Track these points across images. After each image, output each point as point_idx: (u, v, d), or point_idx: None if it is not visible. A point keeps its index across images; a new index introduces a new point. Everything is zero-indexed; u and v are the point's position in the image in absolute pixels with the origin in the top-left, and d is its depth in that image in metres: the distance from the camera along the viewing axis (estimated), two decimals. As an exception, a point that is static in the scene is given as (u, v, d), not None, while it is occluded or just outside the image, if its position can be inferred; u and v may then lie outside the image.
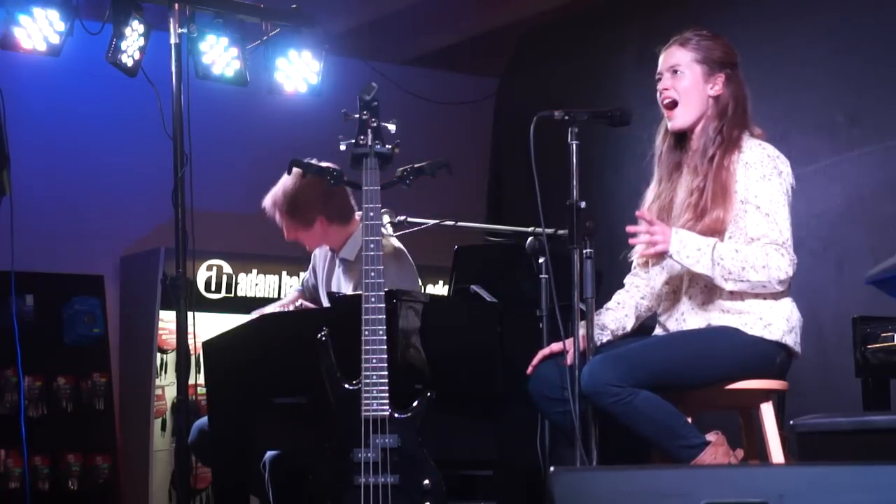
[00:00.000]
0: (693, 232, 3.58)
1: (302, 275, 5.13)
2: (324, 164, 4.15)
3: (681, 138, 3.77)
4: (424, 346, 4.03)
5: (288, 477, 4.29)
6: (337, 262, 4.76)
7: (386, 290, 3.72)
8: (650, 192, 3.81)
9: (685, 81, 3.70)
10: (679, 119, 3.72)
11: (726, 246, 3.54)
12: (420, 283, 4.92)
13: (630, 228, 3.60)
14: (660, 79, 3.76)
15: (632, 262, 3.86)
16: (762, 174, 3.60)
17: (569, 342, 3.56)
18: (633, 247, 3.77)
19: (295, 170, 4.12)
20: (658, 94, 3.75)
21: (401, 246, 4.70)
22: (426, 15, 7.13)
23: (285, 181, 4.73)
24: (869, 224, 5.63)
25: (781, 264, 3.53)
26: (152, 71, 4.91)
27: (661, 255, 3.64)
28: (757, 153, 3.64)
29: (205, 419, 4.71)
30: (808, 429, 3.73)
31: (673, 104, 3.72)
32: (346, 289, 4.63)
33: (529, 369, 3.66)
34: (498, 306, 4.30)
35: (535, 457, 3.84)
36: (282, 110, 6.31)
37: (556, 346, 3.66)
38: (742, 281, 3.53)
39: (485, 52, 7.66)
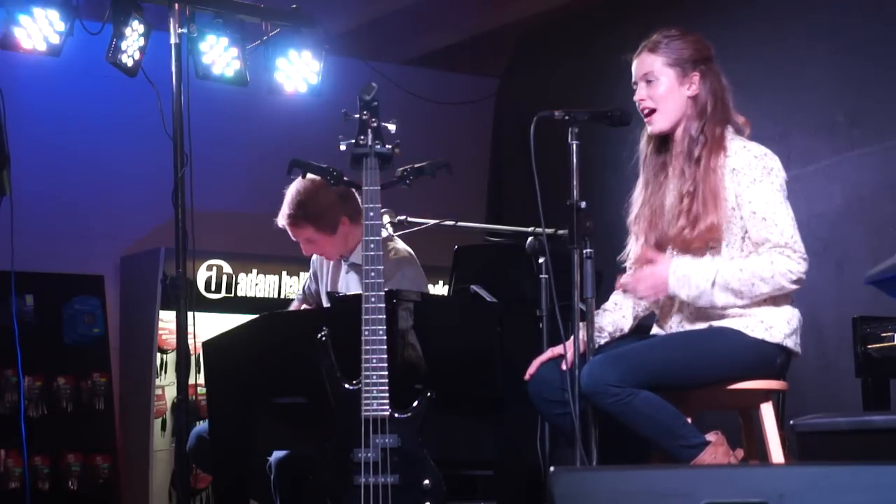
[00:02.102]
0: (690, 241, 3.56)
1: (302, 275, 5.12)
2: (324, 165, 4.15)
3: (664, 140, 3.73)
4: (424, 347, 4.03)
5: (294, 482, 4.27)
6: (343, 265, 4.73)
7: (386, 290, 3.72)
8: (637, 196, 3.78)
9: (660, 88, 3.66)
10: (658, 124, 3.68)
11: (729, 268, 3.51)
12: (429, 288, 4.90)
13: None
14: (635, 87, 3.72)
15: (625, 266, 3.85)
16: (752, 178, 3.55)
17: (568, 345, 3.55)
18: (625, 248, 3.77)
19: (299, 178, 4.03)
20: (636, 103, 3.71)
21: (411, 252, 4.68)
22: (426, 15, 7.13)
23: (293, 193, 4.55)
24: (869, 224, 5.64)
25: (790, 266, 3.49)
26: (152, 71, 4.91)
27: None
28: (742, 157, 3.58)
29: (203, 425, 4.70)
30: (808, 429, 3.72)
31: (651, 112, 3.69)
32: (356, 291, 4.56)
33: (527, 375, 3.65)
34: (498, 306, 4.30)
35: (535, 457, 3.84)
36: (282, 110, 6.32)
37: (555, 350, 3.65)
38: (756, 296, 3.51)
39: (485, 52, 7.66)
